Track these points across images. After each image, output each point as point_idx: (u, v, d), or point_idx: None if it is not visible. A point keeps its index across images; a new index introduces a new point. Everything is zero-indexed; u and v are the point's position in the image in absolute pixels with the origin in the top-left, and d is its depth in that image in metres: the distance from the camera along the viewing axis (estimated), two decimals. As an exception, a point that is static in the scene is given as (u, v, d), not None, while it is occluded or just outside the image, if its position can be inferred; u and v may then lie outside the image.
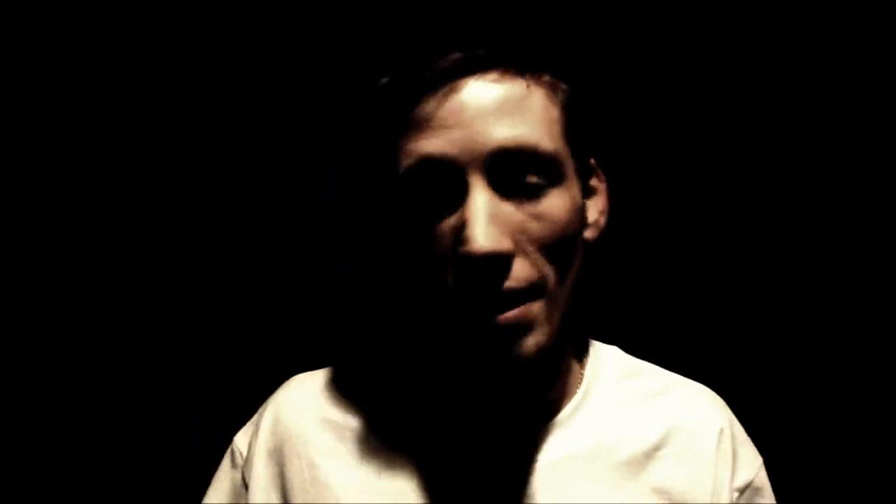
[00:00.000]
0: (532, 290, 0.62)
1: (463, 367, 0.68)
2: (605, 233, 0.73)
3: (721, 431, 0.74)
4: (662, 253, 1.09)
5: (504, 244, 0.59)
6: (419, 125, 0.61)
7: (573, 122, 0.66)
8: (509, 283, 0.60)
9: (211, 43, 1.03)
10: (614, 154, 0.75)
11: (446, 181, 0.61)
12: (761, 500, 0.76)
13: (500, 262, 0.60)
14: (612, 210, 0.73)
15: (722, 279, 1.10)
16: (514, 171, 0.61)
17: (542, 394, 0.72)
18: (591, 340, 0.80)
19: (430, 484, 0.69)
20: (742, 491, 0.74)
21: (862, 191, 1.09)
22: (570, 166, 0.65)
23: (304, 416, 0.73)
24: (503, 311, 0.60)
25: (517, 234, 0.61)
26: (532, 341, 0.62)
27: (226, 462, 0.77)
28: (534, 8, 0.86)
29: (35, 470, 1.09)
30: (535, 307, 0.62)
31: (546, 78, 0.64)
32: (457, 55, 0.61)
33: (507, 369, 0.62)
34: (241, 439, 0.76)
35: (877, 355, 1.10)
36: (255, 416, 0.77)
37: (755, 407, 0.83)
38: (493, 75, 0.61)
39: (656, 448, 0.72)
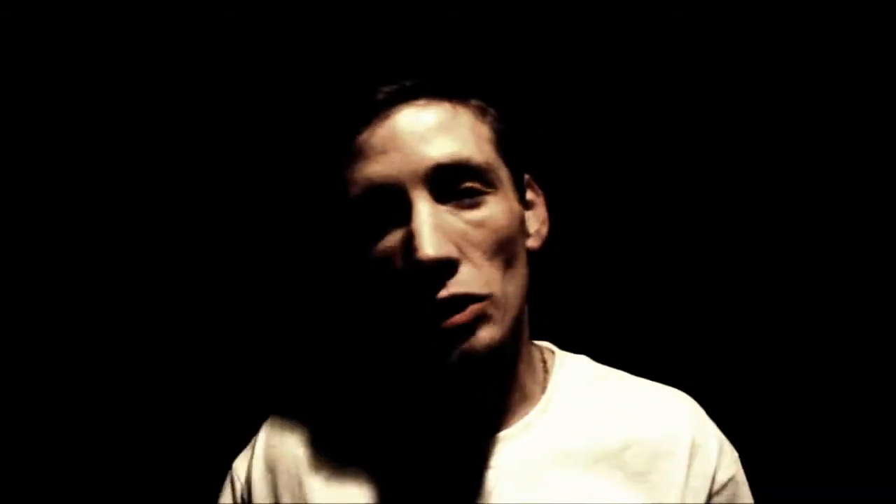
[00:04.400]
0: (479, 296, 0.66)
1: (419, 371, 0.73)
2: (552, 243, 0.77)
3: (693, 431, 0.75)
4: (624, 260, 1.13)
5: (449, 250, 0.64)
6: (361, 153, 0.67)
7: (504, 140, 0.72)
8: (457, 289, 0.65)
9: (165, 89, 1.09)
10: (550, 168, 0.80)
11: (391, 201, 0.66)
12: (738, 496, 0.76)
13: (446, 267, 0.65)
14: (555, 221, 0.78)
15: (677, 282, 1.13)
16: (452, 184, 0.67)
17: (500, 399, 0.75)
18: (557, 350, 0.83)
19: (397, 496, 0.73)
20: (720, 489, 0.75)
21: (826, 197, 1.12)
22: (504, 177, 0.71)
23: (293, 436, 0.78)
24: (452, 316, 0.64)
25: (461, 241, 0.66)
26: (483, 336, 0.65)
27: (226, 489, 0.81)
28: (458, 40, 0.92)
29: (36, 484, 1.13)
30: (485, 306, 0.66)
31: (474, 102, 0.71)
32: (389, 87, 0.68)
33: (460, 366, 0.66)
34: (239, 464, 0.81)
35: (849, 351, 1.11)
36: (252, 441, 0.82)
37: (728, 406, 0.83)
38: (422, 101, 0.68)
39: (623, 449, 0.73)
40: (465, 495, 0.72)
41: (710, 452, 0.75)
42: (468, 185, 0.67)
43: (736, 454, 0.78)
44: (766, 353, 1.12)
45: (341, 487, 0.74)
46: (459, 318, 0.64)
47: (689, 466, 0.73)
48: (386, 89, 0.68)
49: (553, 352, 0.83)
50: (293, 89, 0.78)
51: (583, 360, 0.83)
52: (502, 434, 0.74)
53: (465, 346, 0.65)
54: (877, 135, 1.10)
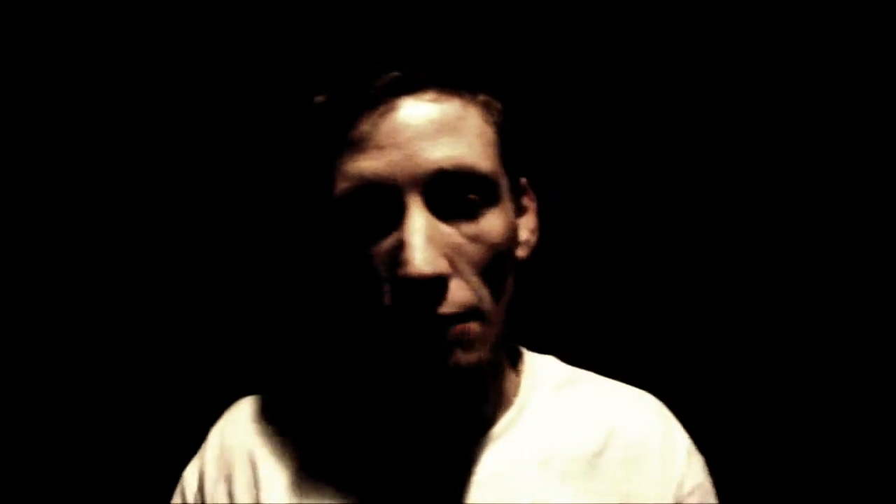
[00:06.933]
0: (468, 314, 0.62)
1: (400, 383, 0.69)
2: (537, 250, 0.74)
3: (663, 435, 0.75)
4: (595, 264, 1.12)
5: (441, 266, 0.60)
6: (356, 145, 0.61)
7: (506, 141, 0.68)
8: (446, 308, 0.61)
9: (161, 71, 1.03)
10: (545, 172, 0.76)
11: (384, 202, 0.61)
12: (705, 501, 0.76)
13: (436, 284, 0.60)
14: (543, 227, 0.75)
15: (654, 287, 1.13)
16: (452, 192, 0.62)
17: (477, 407, 0.73)
18: (526, 351, 0.81)
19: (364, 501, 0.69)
20: (687, 495, 0.74)
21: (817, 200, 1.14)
22: (504, 186, 0.67)
23: (248, 438, 0.74)
24: (438, 335, 0.61)
25: (454, 255, 0.62)
26: (470, 356, 0.62)
27: (176, 499, 0.77)
28: (469, 28, 0.87)
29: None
30: (473, 326, 0.63)
31: (481, 97, 0.66)
32: (394, 74, 0.62)
33: (444, 383, 0.63)
34: (189, 473, 0.77)
35: (818, 350, 1.15)
36: (202, 448, 0.77)
37: (694, 409, 0.83)
38: (430, 95, 0.62)
39: (598, 454, 0.72)
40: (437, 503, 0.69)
41: (678, 457, 0.75)
42: (469, 195, 0.63)
43: (703, 460, 0.78)
44: (737, 355, 1.14)
45: (301, 491, 0.70)
46: (446, 338, 0.61)
47: (661, 471, 0.73)
48: (392, 76, 0.62)
49: (521, 353, 0.81)
50: (293, 73, 0.71)
51: (552, 362, 0.81)
52: (476, 441, 0.72)
53: (451, 361, 0.62)
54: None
